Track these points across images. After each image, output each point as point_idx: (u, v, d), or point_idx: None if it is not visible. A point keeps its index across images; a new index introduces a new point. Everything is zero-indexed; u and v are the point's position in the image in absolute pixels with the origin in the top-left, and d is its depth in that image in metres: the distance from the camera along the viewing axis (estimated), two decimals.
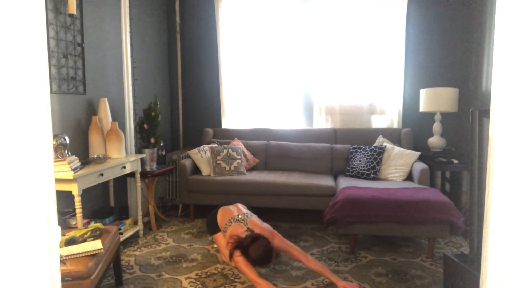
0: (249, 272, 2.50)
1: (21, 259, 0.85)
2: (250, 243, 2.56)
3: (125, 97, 3.85)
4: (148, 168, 3.74)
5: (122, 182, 3.81)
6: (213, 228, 3.03)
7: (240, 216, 2.89)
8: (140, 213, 3.56)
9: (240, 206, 3.11)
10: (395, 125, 4.39)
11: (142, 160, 3.68)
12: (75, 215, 2.82)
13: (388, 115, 4.43)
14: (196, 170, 4.15)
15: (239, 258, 2.57)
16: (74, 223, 2.91)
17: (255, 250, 2.53)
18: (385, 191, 3.18)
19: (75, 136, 3.18)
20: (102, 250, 2.16)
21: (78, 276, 1.98)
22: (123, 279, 2.68)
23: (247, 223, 2.83)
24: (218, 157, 4.06)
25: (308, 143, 4.33)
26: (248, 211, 3.02)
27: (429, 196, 3.00)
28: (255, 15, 4.60)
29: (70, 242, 2.20)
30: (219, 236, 2.98)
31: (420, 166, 3.59)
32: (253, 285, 2.54)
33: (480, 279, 1.07)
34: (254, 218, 2.91)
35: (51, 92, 2.87)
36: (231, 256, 2.61)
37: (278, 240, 2.71)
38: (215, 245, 3.29)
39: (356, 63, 4.42)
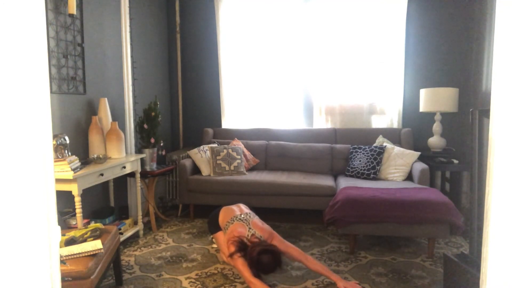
0: (245, 272, 2.51)
1: (21, 259, 0.85)
2: (261, 252, 2.53)
3: (125, 97, 3.85)
4: (148, 168, 3.74)
5: (122, 182, 3.81)
6: (214, 227, 3.04)
7: (242, 216, 2.90)
8: (140, 213, 3.56)
9: (242, 206, 3.13)
10: (395, 125, 4.39)
11: (142, 160, 3.68)
12: (75, 215, 2.82)
13: (388, 115, 4.43)
14: (196, 170, 4.15)
15: (238, 258, 2.58)
16: (74, 223, 2.91)
17: (265, 259, 2.52)
18: (385, 191, 3.18)
19: (75, 136, 3.18)
20: (102, 250, 2.16)
21: (78, 276, 1.98)
22: (123, 279, 2.68)
23: (249, 223, 2.83)
24: (218, 157, 4.06)
25: (308, 143, 4.33)
26: (251, 212, 3.03)
27: (429, 196, 3.00)
28: (255, 15, 4.60)
29: (70, 242, 2.20)
30: (219, 235, 2.99)
31: (420, 166, 3.59)
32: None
33: (480, 279, 1.07)
34: (256, 219, 2.92)
35: (51, 92, 2.87)
36: (231, 255, 2.61)
37: (278, 242, 2.72)
38: (215, 245, 3.29)
39: (356, 63, 4.42)
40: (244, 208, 3.09)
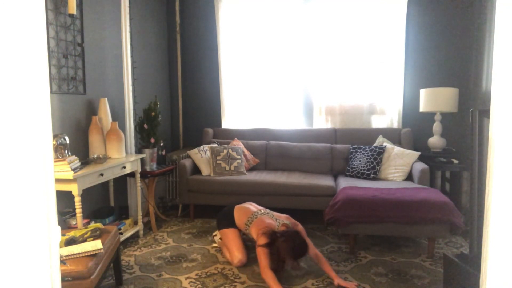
0: (265, 261, 2.57)
1: (21, 259, 0.85)
2: (290, 237, 2.63)
3: (125, 97, 3.85)
4: (148, 168, 3.74)
5: (122, 182, 3.80)
6: (228, 222, 3.07)
7: (262, 211, 2.99)
8: (140, 213, 3.56)
9: (254, 204, 3.19)
10: (395, 125, 4.39)
11: (142, 160, 3.68)
12: (75, 215, 2.82)
13: (388, 115, 4.43)
14: (196, 170, 4.15)
15: (263, 248, 2.63)
16: (74, 223, 2.91)
17: (295, 244, 2.62)
18: (385, 191, 3.18)
19: (75, 136, 3.18)
20: (102, 250, 2.16)
21: (78, 276, 1.98)
22: (123, 279, 2.68)
23: (273, 215, 2.93)
24: (218, 157, 4.06)
25: (308, 143, 4.32)
26: (264, 208, 3.11)
27: (429, 196, 3.00)
28: (255, 15, 4.60)
29: (70, 242, 2.20)
30: (229, 232, 3.01)
31: (420, 166, 3.59)
32: (261, 274, 2.60)
33: (480, 279, 1.07)
34: (275, 212, 3.03)
35: (51, 92, 2.87)
36: (263, 245, 2.63)
37: (299, 229, 2.85)
38: (215, 245, 3.29)
39: (356, 63, 4.42)
40: (256, 205, 3.17)
